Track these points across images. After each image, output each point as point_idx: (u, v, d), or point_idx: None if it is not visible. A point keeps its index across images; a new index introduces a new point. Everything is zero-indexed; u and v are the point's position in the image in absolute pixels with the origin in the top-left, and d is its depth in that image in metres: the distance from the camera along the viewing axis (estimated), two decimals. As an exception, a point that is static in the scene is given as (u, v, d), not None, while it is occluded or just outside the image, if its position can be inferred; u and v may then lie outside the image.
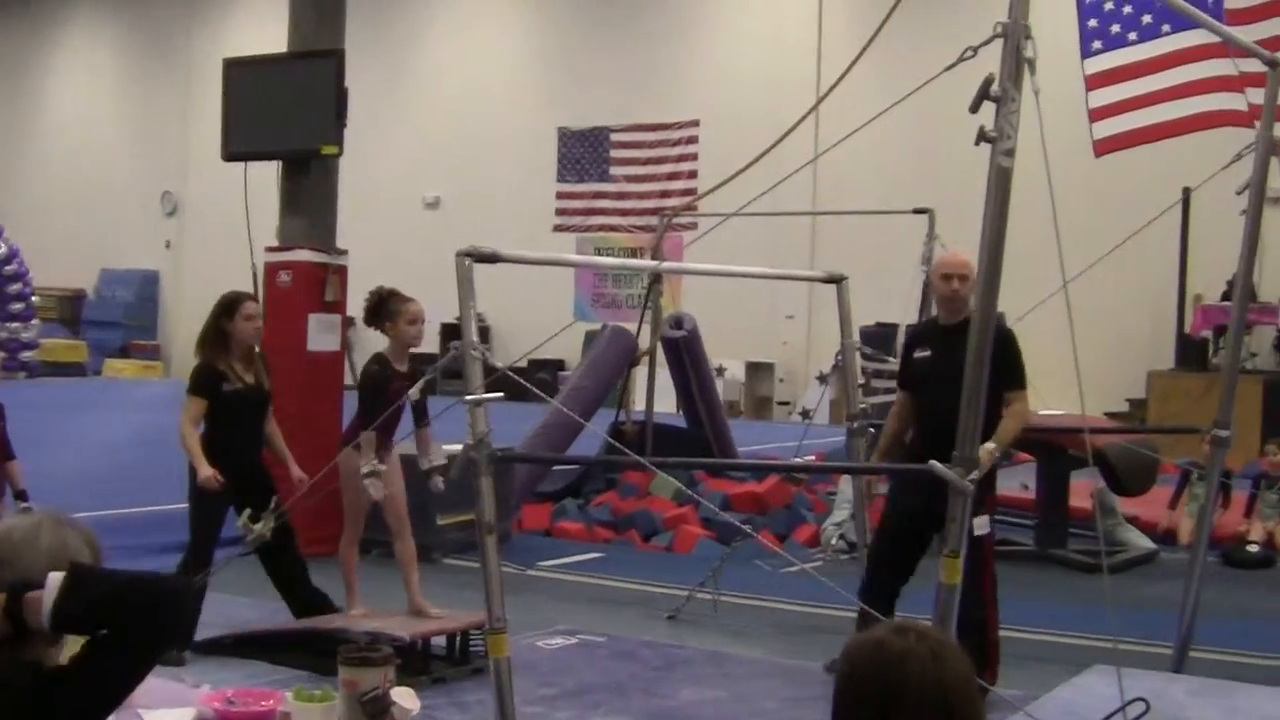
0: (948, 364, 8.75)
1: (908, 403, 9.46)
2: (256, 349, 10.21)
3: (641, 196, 34.43)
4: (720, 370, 29.97)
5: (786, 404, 32.87)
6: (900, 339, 17.33)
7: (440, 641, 9.78)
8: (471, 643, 9.69)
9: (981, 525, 8.39)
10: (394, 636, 8.95)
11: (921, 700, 2.89)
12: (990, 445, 8.72)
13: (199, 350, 10.03)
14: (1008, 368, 8.55)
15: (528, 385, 6.66)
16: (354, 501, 10.10)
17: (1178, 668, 9.15)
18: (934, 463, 6.03)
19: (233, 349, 9.96)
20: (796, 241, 31.30)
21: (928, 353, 9.15)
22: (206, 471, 9.63)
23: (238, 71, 14.87)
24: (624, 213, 34.96)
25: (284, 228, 14.32)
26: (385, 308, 9.94)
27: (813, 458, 18.33)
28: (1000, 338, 8.80)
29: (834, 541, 14.56)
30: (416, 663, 9.30)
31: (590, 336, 25.10)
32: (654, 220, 24.40)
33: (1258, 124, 9.25)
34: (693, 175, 33.28)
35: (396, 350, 9.94)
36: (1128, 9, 15.15)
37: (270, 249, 14.19)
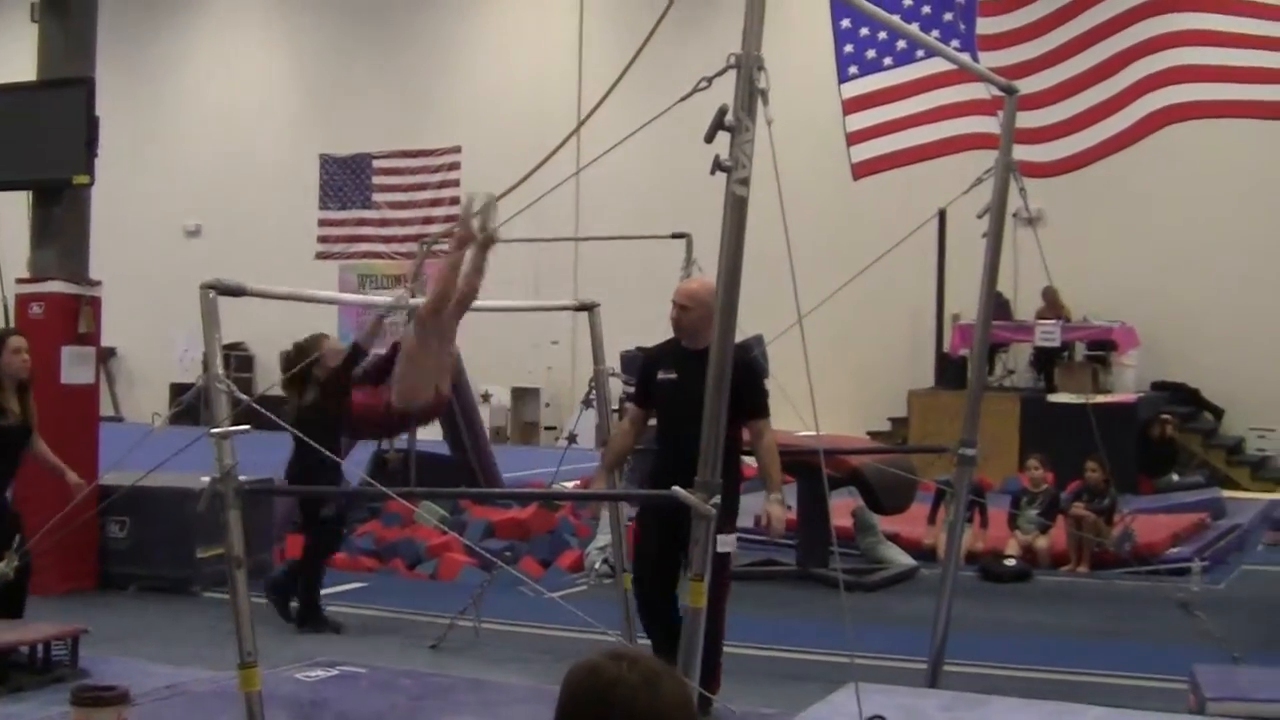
0: (691, 388, 8.82)
1: (642, 420, 9.57)
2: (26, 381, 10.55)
3: (404, 223, 34.33)
4: (485, 396, 29.95)
5: (553, 428, 32.87)
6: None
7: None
8: (53, 652, 9.87)
9: (725, 543, 8.51)
10: None
11: (631, 727, 2.92)
12: (777, 497, 8.98)
13: None
14: (751, 395, 8.81)
15: (273, 417, 6.63)
16: None
17: (932, 682, 9.31)
18: (676, 488, 6.09)
19: (3, 382, 10.35)
20: (560, 267, 31.40)
21: (672, 375, 9.16)
22: None
23: (-14, 100, 14.60)
24: (387, 239, 34.83)
25: (35, 259, 14.09)
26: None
27: (578, 482, 18.40)
28: (742, 365, 8.90)
29: (598, 565, 14.61)
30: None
31: (354, 365, 24.93)
32: (417, 247, 24.29)
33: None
34: (455, 202, 33.16)
35: None
36: (882, 35, 15.41)
37: (21, 280, 13.94)
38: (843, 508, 15.42)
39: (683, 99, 5.79)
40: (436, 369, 9.16)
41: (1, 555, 8.57)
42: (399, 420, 13.84)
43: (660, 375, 9.30)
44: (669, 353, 9.38)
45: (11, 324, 13.75)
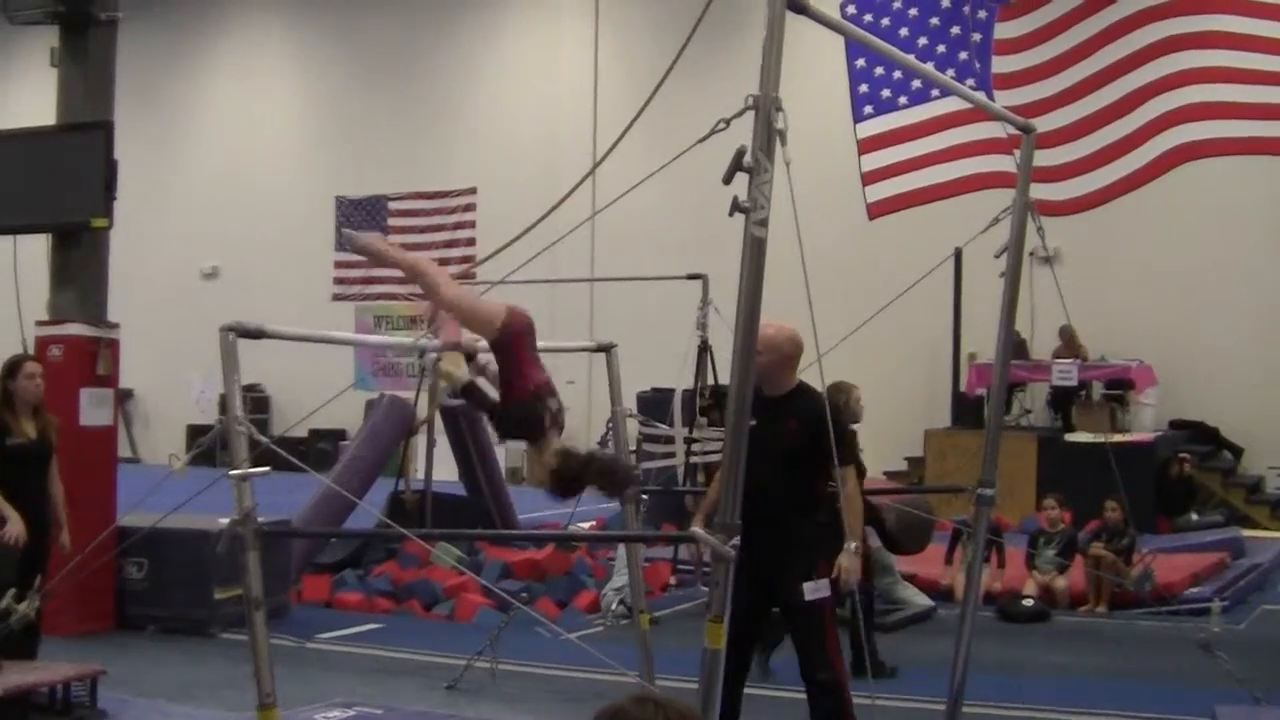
0: (769, 437, 8.40)
1: None
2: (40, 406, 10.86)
3: (420, 265, 34.32)
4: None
5: (571, 469, 32.80)
6: (677, 403, 17.34)
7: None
8: (73, 693, 9.97)
9: (814, 590, 8.34)
10: None
11: (656, 768, 2.92)
12: (851, 547, 8.60)
13: None
14: (827, 443, 8.06)
15: (290, 458, 6.63)
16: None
17: (950, 723, 9.28)
18: (695, 529, 6.06)
19: (17, 406, 10.60)
20: (576, 307, 31.40)
21: (753, 423, 8.77)
22: (16, 525, 10.07)
23: (5, 144, 14.64)
24: (403, 281, 34.80)
25: (54, 302, 14.13)
26: None
27: (594, 523, 18.40)
28: (818, 414, 8.46)
29: (614, 607, 14.57)
30: (13, 714, 9.49)
31: (370, 405, 24.97)
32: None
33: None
34: (471, 243, 33.19)
35: None
36: (898, 74, 15.40)
37: (41, 323, 13.97)
38: (860, 548, 15.34)
39: (700, 140, 5.79)
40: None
41: (23, 597, 8.55)
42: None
43: None
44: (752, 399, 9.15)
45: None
